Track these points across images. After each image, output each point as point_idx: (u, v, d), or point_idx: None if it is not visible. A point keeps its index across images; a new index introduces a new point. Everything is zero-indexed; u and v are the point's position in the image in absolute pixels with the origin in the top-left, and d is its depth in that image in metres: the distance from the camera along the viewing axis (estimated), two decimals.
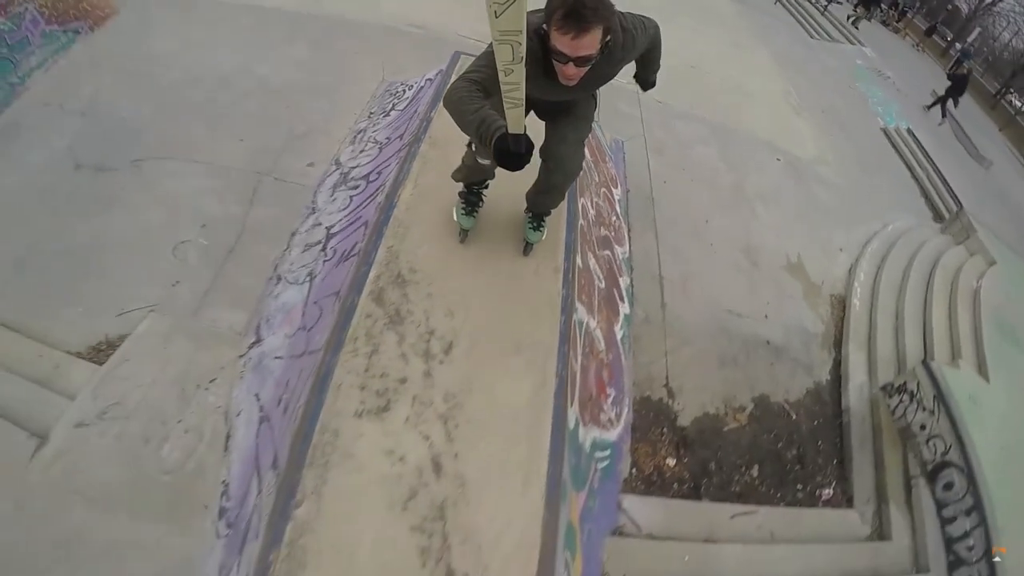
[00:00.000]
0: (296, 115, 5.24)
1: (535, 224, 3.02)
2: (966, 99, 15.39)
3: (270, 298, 3.60)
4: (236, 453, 2.84)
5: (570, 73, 1.86)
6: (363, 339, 2.52)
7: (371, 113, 5.39)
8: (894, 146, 10.62)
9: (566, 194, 2.97)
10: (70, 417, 2.89)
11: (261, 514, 2.27)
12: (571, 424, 2.73)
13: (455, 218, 2.92)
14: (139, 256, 3.81)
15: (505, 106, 1.71)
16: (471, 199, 2.91)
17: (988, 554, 3.55)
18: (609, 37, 1.84)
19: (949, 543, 3.87)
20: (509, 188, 2.89)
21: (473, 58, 2.11)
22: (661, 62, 2.63)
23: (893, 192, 9.11)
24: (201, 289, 3.73)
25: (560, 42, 1.75)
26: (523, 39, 1.40)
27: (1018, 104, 21.76)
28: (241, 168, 4.56)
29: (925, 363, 4.57)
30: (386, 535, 2.06)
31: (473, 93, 1.93)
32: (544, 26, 1.78)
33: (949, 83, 13.62)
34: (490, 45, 1.77)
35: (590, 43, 1.74)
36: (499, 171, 2.30)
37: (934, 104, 13.64)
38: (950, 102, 13.54)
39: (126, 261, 3.77)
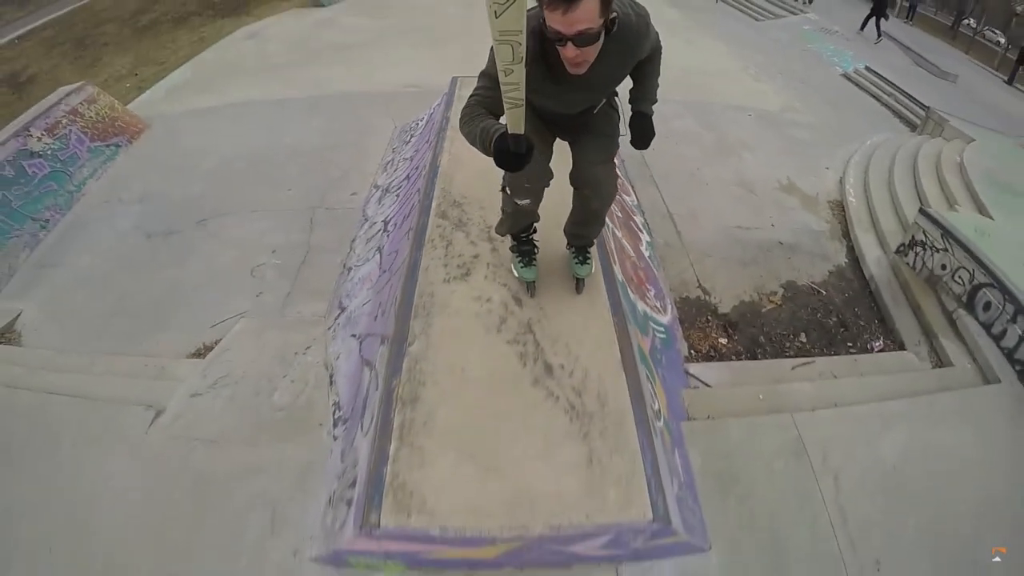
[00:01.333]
0: (330, 165, 6.09)
1: (581, 258, 2.93)
2: (928, 39, 16.29)
3: (346, 281, 4.22)
4: (343, 378, 3.27)
5: (572, 56, 1.72)
6: (438, 239, 3.16)
7: (394, 148, 6.21)
8: (857, 84, 11.34)
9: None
10: (183, 391, 3.30)
11: (378, 381, 2.73)
12: (619, 277, 3.27)
13: (516, 274, 2.87)
14: (220, 284, 4.48)
15: (505, 106, 1.68)
16: (524, 249, 2.84)
17: None
18: (614, 14, 1.72)
19: (1010, 354, 4.05)
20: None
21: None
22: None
23: (866, 119, 9.74)
24: (282, 295, 4.37)
25: (554, 20, 1.63)
26: (523, 39, 1.40)
27: (973, 25, 22.92)
28: (295, 208, 5.32)
29: (922, 210, 5.03)
30: (488, 351, 2.61)
31: (475, 112, 1.98)
32: (541, 18, 1.69)
33: (872, 3, 14.80)
34: (488, 65, 1.90)
35: (585, 15, 1.60)
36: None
37: (864, 25, 15.40)
38: (883, 22, 14.59)
39: (209, 292, 4.42)
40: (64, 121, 5.76)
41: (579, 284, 2.96)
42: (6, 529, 2.59)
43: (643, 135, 2.27)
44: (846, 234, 6.00)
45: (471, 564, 2.27)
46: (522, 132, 1.77)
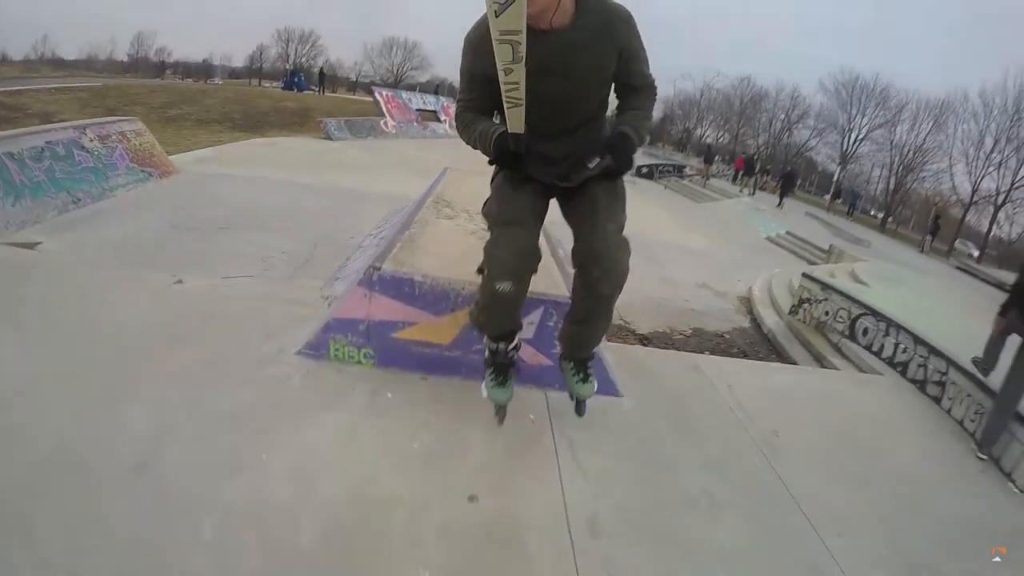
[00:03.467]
0: (336, 219, 7.26)
1: (583, 374, 2.47)
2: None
3: (342, 268, 5.13)
4: (341, 288, 4.01)
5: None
6: (431, 210, 4.26)
7: (386, 218, 7.42)
8: (777, 243, 13.41)
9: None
10: (198, 280, 3.94)
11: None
12: None
13: (485, 394, 2.38)
14: (234, 262, 5.19)
15: (505, 106, 1.69)
16: (500, 364, 2.35)
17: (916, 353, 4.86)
18: None
19: (889, 360, 5.07)
20: None
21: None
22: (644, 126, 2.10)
23: (779, 260, 11.56)
24: (287, 274, 5.22)
25: None
26: (523, 39, 1.42)
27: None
28: (304, 239, 6.31)
29: (804, 273, 6.38)
30: (460, 238, 3.63)
31: (469, 118, 2.05)
32: None
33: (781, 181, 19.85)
34: (463, 65, 2.00)
35: None
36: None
37: (780, 202, 21.34)
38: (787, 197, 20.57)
39: (223, 265, 5.08)
40: (114, 136, 6.93)
41: (580, 406, 2.56)
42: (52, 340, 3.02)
43: (622, 153, 2.00)
44: (749, 311, 7.27)
45: (428, 360, 3.01)
46: (522, 131, 1.79)
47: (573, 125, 2.06)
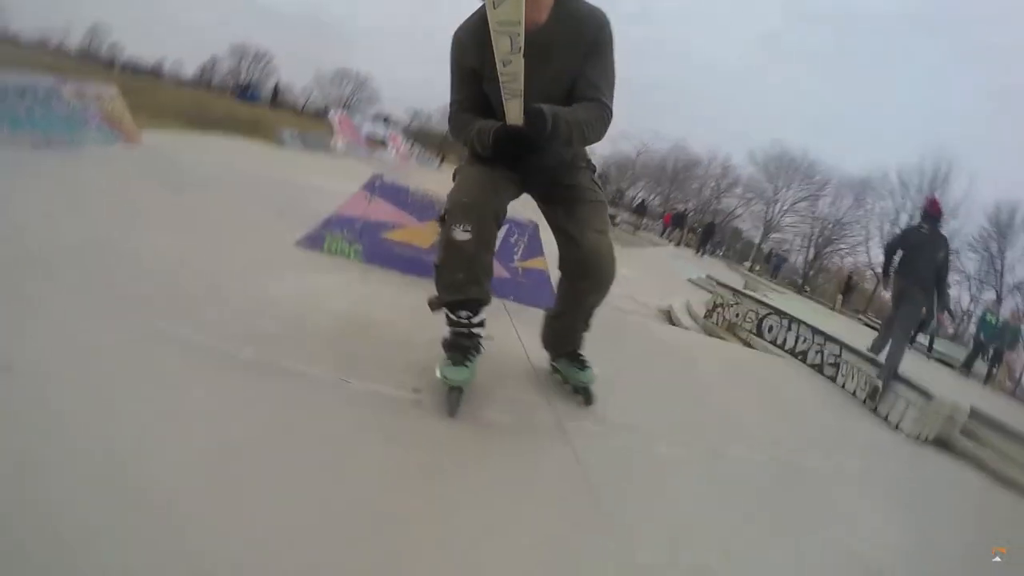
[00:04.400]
0: (299, 193, 7.60)
1: (579, 363, 2.44)
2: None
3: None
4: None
5: None
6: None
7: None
8: (696, 284, 14.66)
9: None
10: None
11: None
12: None
13: (439, 374, 2.01)
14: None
15: (504, 97, 1.69)
16: (460, 339, 2.07)
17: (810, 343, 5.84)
18: None
19: (791, 351, 5.96)
20: None
21: None
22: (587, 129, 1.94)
23: (699, 297, 12.71)
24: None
25: None
26: (521, 30, 1.43)
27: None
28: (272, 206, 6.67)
29: (717, 282, 7.31)
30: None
31: (464, 119, 2.06)
32: None
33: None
34: (455, 67, 2.02)
35: None
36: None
37: (700, 250, 23.22)
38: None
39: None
40: (90, 95, 7.16)
41: (588, 394, 2.42)
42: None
43: (532, 124, 1.79)
44: (669, 319, 8.16)
45: (407, 260, 3.59)
46: (521, 123, 1.77)
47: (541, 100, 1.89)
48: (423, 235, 3.58)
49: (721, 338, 6.78)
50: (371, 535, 1.30)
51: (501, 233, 3.61)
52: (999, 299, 18.66)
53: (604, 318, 2.44)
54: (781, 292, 16.08)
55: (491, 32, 1.46)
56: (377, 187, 3.54)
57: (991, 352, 11.02)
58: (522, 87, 1.65)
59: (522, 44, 1.49)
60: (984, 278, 32.51)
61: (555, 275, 4.15)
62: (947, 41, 64.61)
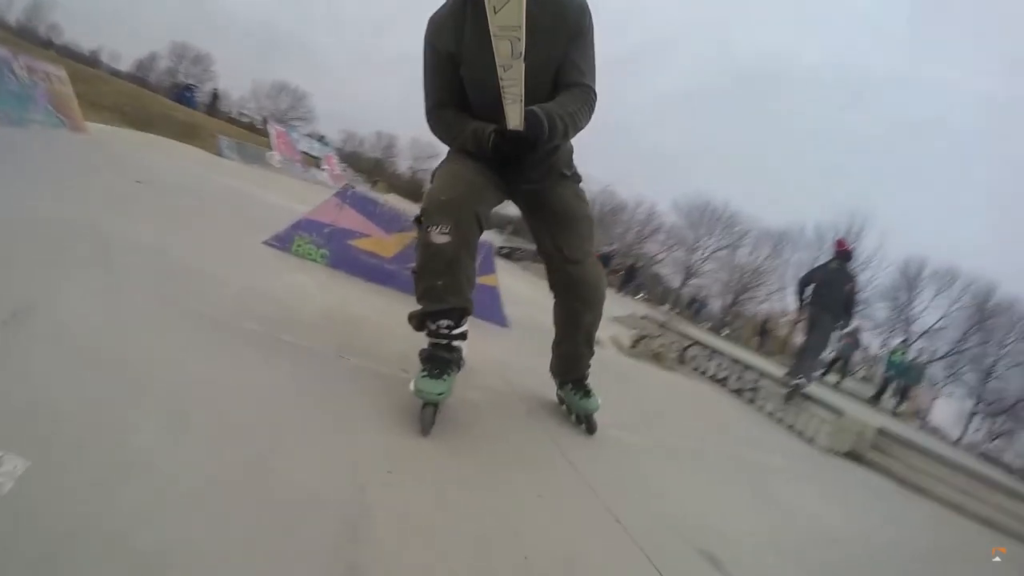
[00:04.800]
0: (248, 201, 7.67)
1: (582, 392, 2.44)
2: None
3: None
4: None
5: None
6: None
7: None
8: (620, 321, 15.33)
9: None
10: None
11: None
12: None
13: (412, 388, 1.87)
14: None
15: (505, 102, 1.65)
16: (439, 351, 1.93)
17: (731, 371, 6.39)
18: None
19: (712, 377, 6.62)
20: None
21: None
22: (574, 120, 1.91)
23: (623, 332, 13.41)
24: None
25: None
26: (522, 34, 1.40)
27: None
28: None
29: (643, 316, 7.87)
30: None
31: (447, 114, 2.02)
32: None
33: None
34: (429, 52, 1.96)
35: None
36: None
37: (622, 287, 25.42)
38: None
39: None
40: (40, 73, 6.92)
41: (590, 422, 2.45)
42: None
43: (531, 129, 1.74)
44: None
45: (371, 268, 3.86)
46: (522, 127, 1.72)
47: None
48: (387, 246, 3.87)
49: (646, 364, 7.34)
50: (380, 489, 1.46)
51: None
52: (906, 343, 20.87)
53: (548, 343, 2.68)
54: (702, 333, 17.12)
55: (491, 37, 1.42)
56: (349, 196, 3.81)
57: (898, 387, 12.39)
58: (523, 92, 1.61)
59: (523, 49, 1.46)
60: (893, 325, 36.43)
61: (506, 293, 4.71)
62: (870, 106, 71.70)
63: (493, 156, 1.88)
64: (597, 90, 2.00)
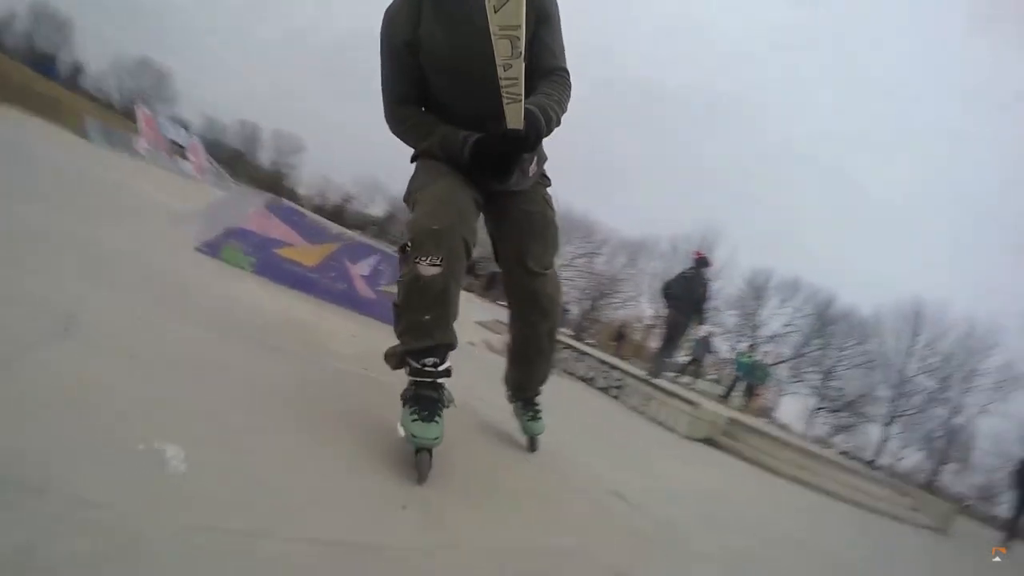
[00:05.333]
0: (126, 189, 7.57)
1: (532, 412, 2.41)
2: None
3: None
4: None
5: None
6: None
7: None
8: (483, 326, 16.18)
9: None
10: None
11: None
12: None
13: (402, 432, 1.74)
14: None
15: (504, 102, 1.61)
16: (425, 391, 1.79)
17: (598, 371, 7.27)
18: None
19: (581, 378, 7.49)
20: None
21: None
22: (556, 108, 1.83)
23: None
24: None
25: None
26: (522, 33, 1.40)
27: None
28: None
29: (498, 321, 8.70)
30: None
31: (409, 113, 1.97)
32: None
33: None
34: (386, 45, 1.89)
35: None
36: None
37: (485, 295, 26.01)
38: None
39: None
40: None
41: (533, 443, 2.47)
42: None
43: (530, 129, 1.68)
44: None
45: (294, 276, 4.24)
46: (521, 127, 1.66)
47: (490, 120, 1.76)
48: (310, 255, 4.26)
49: None
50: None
51: (373, 260, 4.56)
52: (754, 346, 23.61)
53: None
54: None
55: (491, 36, 1.40)
56: (279, 208, 4.19)
57: (745, 386, 14.23)
58: (523, 91, 1.57)
59: (523, 49, 1.44)
60: (742, 331, 40.53)
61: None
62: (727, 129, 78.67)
63: (471, 167, 1.83)
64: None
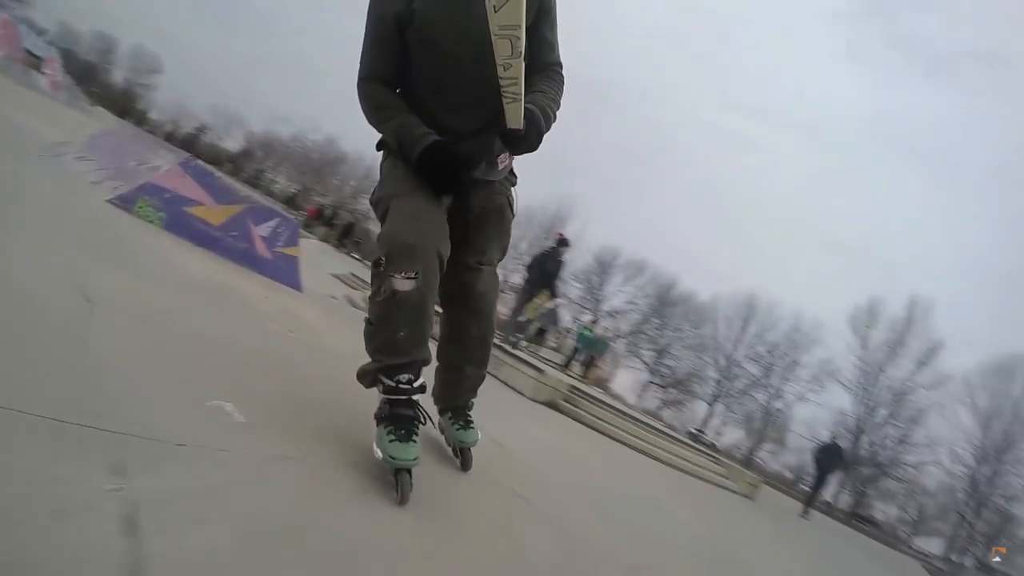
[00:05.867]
0: None
1: (462, 421, 2.23)
2: None
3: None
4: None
5: None
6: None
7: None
8: (339, 278, 16.72)
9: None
10: None
11: None
12: None
13: (379, 454, 1.69)
14: None
15: (504, 102, 1.60)
16: (400, 409, 1.75)
17: None
18: None
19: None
20: None
21: None
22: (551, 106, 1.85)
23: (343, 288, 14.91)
24: None
25: None
26: (522, 33, 1.40)
27: None
28: None
29: (353, 275, 9.55)
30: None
31: (378, 91, 1.89)
32: None
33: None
34: (373, 15, 1.82)
35: None
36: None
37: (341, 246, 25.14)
38: None
39: None
40: None
41: (466, 457, 2.24)
42: None
43: (531, 130, 1.69)
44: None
45: (199, 233, 4.65)
46: (521, 127, 1.65)
47: (475, 103, 1.84)
48: (217, 214, 4.71)
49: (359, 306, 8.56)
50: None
51: (272, 224, 5.16)
52: (595, 320, 25.40)
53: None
54: None
55: (491, 36, 1.40)
56: (192, 166, 4.57)
57: (584, 357, 15.75)
58: (523, 90, 1.57)
59: (523, 48, 1.44)
60: (585, 304, 43.96)
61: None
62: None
63: (417, 171, 1.78)
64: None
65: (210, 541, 1.09)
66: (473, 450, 2.24)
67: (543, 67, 1.94)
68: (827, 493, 26.78)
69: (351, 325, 3.71)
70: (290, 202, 29.20)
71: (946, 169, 64.29)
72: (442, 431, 2.33)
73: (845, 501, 37.85)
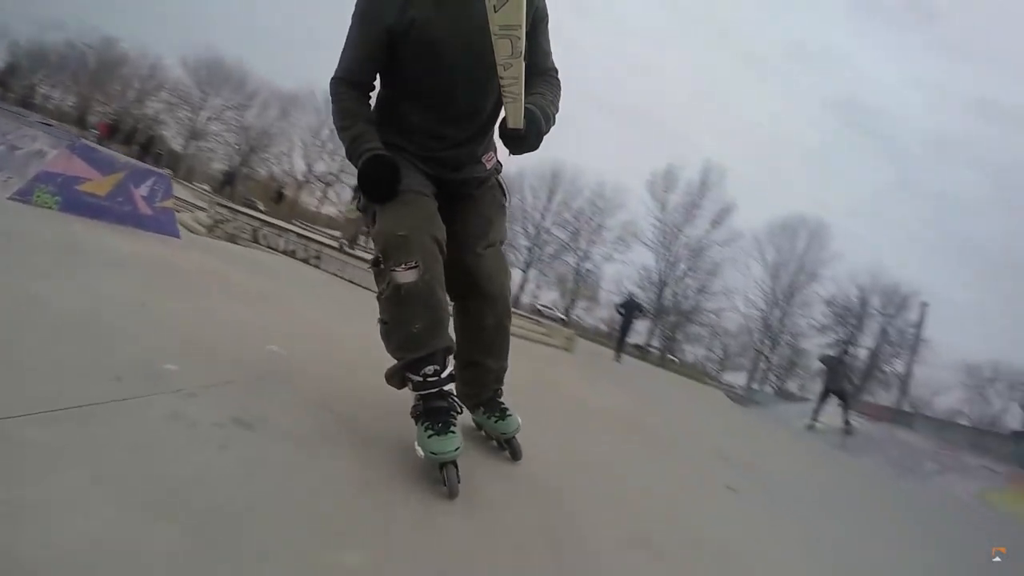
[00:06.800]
0: None
1: (497, 413, 2.19)
2: None
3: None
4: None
5: None
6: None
7: None
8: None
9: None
10: None
11: None
12: None
13: (421, 453, 1.72)
14: None
15: (504, 101, 1.62)
16: (433, 405, 1.76)
17: (296, 245, 9.43)
18: None
19: (284, 252, 9.40)
20: None
21: None
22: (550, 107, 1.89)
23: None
24: None
25: None
26: (522, 33, 1.41)
27: None
28: None
29: (218, 203, 10.19)
30: None
31: (349, 96, 1.87)
32: None
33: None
34: (359, 17, 1.80)
35: None
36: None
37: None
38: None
39: None
40: None
41: (513, 446, 2.20)
42: None
43: (531, 129, 1.71)
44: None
45: (91, 206, 5.49)
46: (521, 126, 1.66)
47: (472, 112, 1.92)
48: (102, 185, 5.53)
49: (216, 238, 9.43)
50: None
51: (150, 183, 5.98)
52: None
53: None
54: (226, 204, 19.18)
55: (491, 36, 1.40)
56: (77, 148, 5.35)
57: None
58: (523, 90, 1.58)
59: (523, 48, 1.44)
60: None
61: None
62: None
63: (357, 180, 1.78)
64: None
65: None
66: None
67: (539, 73, 1.97)
68: (638, 339, 33.41)
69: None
70: (80, 123, 24.21)
71: (740, 40, 71.31)
72: (479, 427, 2.29)
73: (658, 346, 44.52)
